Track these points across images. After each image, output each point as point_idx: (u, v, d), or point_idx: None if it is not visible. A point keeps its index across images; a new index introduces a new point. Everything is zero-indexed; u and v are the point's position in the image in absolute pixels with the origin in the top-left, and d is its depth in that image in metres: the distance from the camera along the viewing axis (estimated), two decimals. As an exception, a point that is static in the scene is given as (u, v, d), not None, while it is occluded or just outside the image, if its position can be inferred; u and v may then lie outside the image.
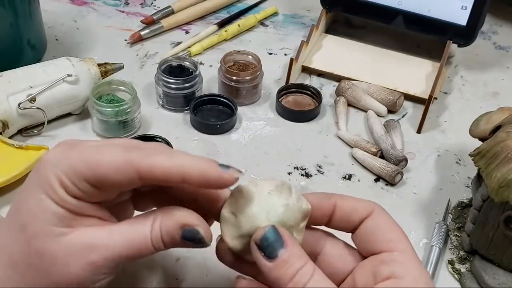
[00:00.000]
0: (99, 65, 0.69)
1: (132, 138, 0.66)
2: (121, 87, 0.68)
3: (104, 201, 0.42)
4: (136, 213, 0.45)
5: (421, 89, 0.74)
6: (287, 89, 0.73)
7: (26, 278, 0.41)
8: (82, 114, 0.69)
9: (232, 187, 0.42)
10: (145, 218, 0.41)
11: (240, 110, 0.71)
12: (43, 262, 0.40)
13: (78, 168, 0.40)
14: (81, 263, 0.40)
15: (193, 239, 0.41)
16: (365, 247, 0.43)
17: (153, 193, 0.46)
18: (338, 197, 0.44)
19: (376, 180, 0.65)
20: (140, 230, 0.41)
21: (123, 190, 0.43)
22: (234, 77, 0.71)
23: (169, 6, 0.85)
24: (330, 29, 0.84)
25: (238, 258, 0.43)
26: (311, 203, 0.43)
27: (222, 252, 0.44)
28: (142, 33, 0.81)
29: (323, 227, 0.45)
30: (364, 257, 0.43)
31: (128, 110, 0.66)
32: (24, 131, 0.66)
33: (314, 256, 0.45)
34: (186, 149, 0.66)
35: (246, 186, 0.42)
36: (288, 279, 0.39)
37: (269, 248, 0.39)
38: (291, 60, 0.73)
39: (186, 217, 0.41)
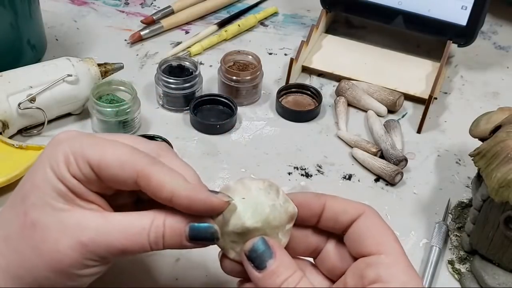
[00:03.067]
0: (99, 65, 0.69)
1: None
2: (121, 87, 0.68)
3: (100, 194, 0.43)
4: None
5: (421, 89, 0.74)
6: (287, 89, 0.73)
7: (17, 255, 0.41)
8: (82, 114, 0.69)
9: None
10: (146, 212, 0.41)
11: (240, 110, 0.71)
12: (35, 235, 0.40)
13: (85, 149, 0.41)
14: (71, 241, 0.40)
15: (204, 236, 0.41)
16: (354, 249, 0.42)
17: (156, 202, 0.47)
18: (328, 197, 0.44)
19: (376, 180, 0.65)
20: (137, 222, 0.41)
21: (116, 187, 0.43)
22: (234, 77, 0.71)
23: (169, 6, 0.85)
24: (330, 29, 0.84)
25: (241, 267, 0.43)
26: (300, 202, 0.43)
27: (227, 263, 0.44)
28: (142, 33, 0.81)
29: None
30: (355, 258, 0.43)
31: (128, 110, 0.66)
32: (24, 131, 0.66)
33: (315, 254, 0.45)
34: (186, 149, 0.66)
35: (234, 185, 0.43)
36: None
37: (258, 259, 0.41)
38: (291, 60, 0.73)
39: (195, 217, 0.41)
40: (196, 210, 0.40)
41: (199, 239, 0.41)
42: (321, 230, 0.45)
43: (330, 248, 0.44)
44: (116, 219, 0.41)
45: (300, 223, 0.44)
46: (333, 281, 0.44)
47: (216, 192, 0.41)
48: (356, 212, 0.43)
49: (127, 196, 0.45)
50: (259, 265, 0.40)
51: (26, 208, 0.41)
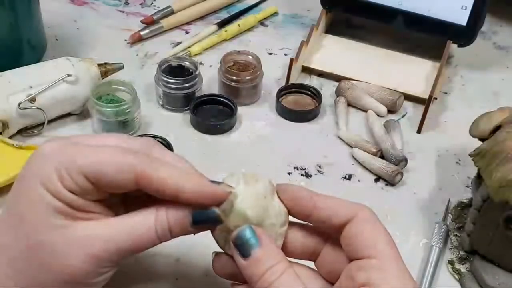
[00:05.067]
0: (99, 65, 0.69)
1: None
2: (121, 87, 0.68)
3: (103, 199, 0.42)
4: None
5: (421, 89, 0.74)
6: (287, 89, 0.73)
7: (25, 275, 0.40)
8: (82, 114, 0.69)
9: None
10: (148, 209, 0.41)
11: (240, 110, 0.71)
12: (43, 255, 0.40)
13: (77, 161, 0.40)
14: (81, 255, 0.40)
15: (207, 219, 0.41)
16: (348, 251, 0.42)
17: (144, 197, 0.46)
18: (321, 197, 0.43)
19: (376, 180, 0.64)
20: (142, 221, 0.41)
21: (114, 191, 0.42)
22: (234, 77, 0.71)
23: (169, 6, 0.85)
24: (330, 29, 0.84)
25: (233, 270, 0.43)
26: (292, 198, 0.43)
27: (218, 265, 0.44)
28: (142, 33, 0.81)
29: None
30: (350, 261, 0.42)
31: (128, 110, 0.66)
32: (24, 131, 0.66)
33: (314, 257, 0.45)
34: (186, 149, 0.66)
35: (237, 177, 0.43)
36: (258, 277, 0.40)
37: (243, 246, 0.41)
38: (291, 60, 0.73)
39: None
40: (201, 202, 0.41)
41: (203, 223, 0.41)
42: (319, 232, 0.45)
43: (328, 251, 0.44)
44: (120, 224, 0.41)
45: (292, 216, 0.44)
46: (332, 283, 0.44)
47: (218, 183, 0.42)
48: (349, 213, 0.42)
49: (114, 196, 0.45)
50: (245, 253, 0.41)
51: (27, 231, 0.40)
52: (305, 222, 0.45)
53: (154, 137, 0.65)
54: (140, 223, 0.41)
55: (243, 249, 0.41)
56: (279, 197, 0.44)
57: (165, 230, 0.41)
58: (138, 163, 0.40)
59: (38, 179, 0.40)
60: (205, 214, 0.41)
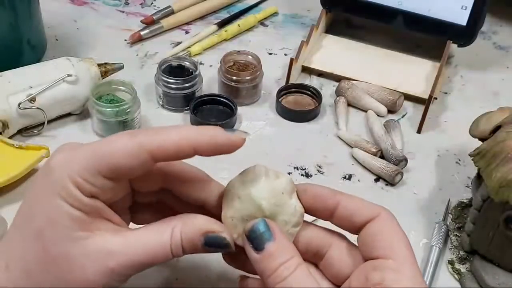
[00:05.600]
0: (99, 65, 0.69)
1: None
2: (121, 87, 0.68)
3: (116, 200, 0.42)
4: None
5: (421, 89, 0.74)
6: (287, 89, 0.73)
7: (42, 286, 0.40)
8: (82, 114, 0.69)
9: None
10: (163, 225, 0.41)
11: (240, 110, 0.71)
12: (60, 267, 0.40)
13: (89, 162, 0.39)
14: (99, 268, 0.39)
15: (218, 245, 0.41)
16: (365, 250, 0.42)
17: (151, 205, 0.47)
18: (344, 196, 0.43)
19: (376, 180, 0.65)
20: (159, 238, 0.41)
21: (134, 177, 0.42)
22: (234, 77, 0.71)
23: (169, 6, 0.85)
24: (330, 29, 0.84)
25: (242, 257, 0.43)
26: (314, 195, 0.43)
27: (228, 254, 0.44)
28: (142, 33, 0.81)
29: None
30: (365, 260, 0.42)
31: (128, 110, 0.66)
32: (24, 131, 0.66)
33: (320, 257, 0.45)
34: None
35: (259, 167, 0.43)
36: (271, 272, 0.39)
37: (257, 240, 0.40)
38: (291, 60, 0.73)
39: (208, 224, 0.42)
40: (219, 152, 0.42)
41: (215, 247, 0.42)
42: (325, 234, 0.44)
43: (335, 253, 0.44)
44: (136, 238, 0.41)
45: (312, 215, 0.44)
46: (338, 286, 0.44)
47: (233, 131, 0.42)
48: (371, 214, 0.42)
49: (122, 203, 0.45)
50: (258, 246, 0.40)
51: (45, 246, 0.40)
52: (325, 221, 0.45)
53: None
54: (156, 240, 0.41)
55: (257, 242, 0.40)
56: (299, 198, 0.44)
57: (179, 248, 0.41)
58: (144, 139, 0.40)
59: (54, 192, 0.39)
60: (217, 239, 0.41)
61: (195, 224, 0.41)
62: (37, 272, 0.40)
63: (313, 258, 0.45)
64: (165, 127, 0.42)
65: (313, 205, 0.43)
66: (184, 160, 0.45)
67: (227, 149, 0.42)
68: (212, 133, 0.41)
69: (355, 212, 0.42)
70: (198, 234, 0.41)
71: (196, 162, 0.46)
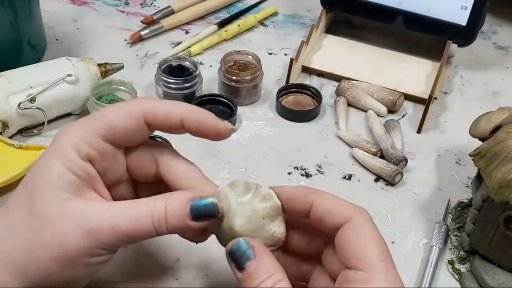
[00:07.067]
0: (99, 65, 0.69)
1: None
2: (121, 87, 0.68)
3: (111, 174, 0.44)
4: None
5: (421, 89, 0.74)
6: (287, 89, 0.73)
7: (23, 245, 0.41)
8: (82, 114, 0.69)
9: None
10: (148, 198, 0.42)
11: (240, 110, 0.71)
12: (42, 226, 0.40)
13: (87, 123, 0.43)
14: (77, 230, 0.40)
15: (205, 210, 0.42)
16: (340, 257, 0.41)
17: (153, 185, 0.47)
18: (319, 196, 0.42)
19: (376, 180, 0.65)
20: (141, 206, 0.42)
21: (130, 142, 0.45)
22: (234, 77, 0.71)
23: (169, 6, 0.85)
24: (330, 29, 0.84)
25: None
26: (286, 198, 0.43)
27: None
28: (142, 33, 0.81)
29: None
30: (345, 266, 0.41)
31: (128, 110, 0.66)
32: (24, 131, 0.66)
33: (316, 259, 0.45)
34: (186, 149, 0.65)
35: (248, 185, 0.43)
36: None
37: (238, 260, 0.41)
38: (291, 60, 0.73)
39: (194, 192, 0.42)
40: (205, 133, 0.44)
41: (201, 216, 0.42)
42: (320, 233, 0.44)
43: (330, 252, 0.43)
44: (118, 205, 0.42)
45: (292, 216, 0.44)
46: None
47: (222, 119, 0.44)
48: (344, 216, 0.41)
49: (125, 189, 0.46)
50: (239, 266, 0.41)
51: (33, 201, 0.41)
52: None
53: (154, 137, 0.65)
54: (137, 206, 0.42)
55: (238, 262, 0.41)
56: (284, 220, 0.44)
57: (161, 218, 0.41)
58: (140, 101, 0.44)
59: (53, 154, 0.42)
60: (203, 204, 0.42)
61: (181, 194, 0.42)
62: (23, 229, 0.41)
63: (313, 256, 0.45)
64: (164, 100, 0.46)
65: (287, 207, 0.43)
66: (185, 160, 0.46)
67: (213, 133, 0.44)
68: (201, 112, 0.44)
69: (326, 214, 0.41)
70: (185, 201, 0.42)
71: (196, 162, 0.46)
